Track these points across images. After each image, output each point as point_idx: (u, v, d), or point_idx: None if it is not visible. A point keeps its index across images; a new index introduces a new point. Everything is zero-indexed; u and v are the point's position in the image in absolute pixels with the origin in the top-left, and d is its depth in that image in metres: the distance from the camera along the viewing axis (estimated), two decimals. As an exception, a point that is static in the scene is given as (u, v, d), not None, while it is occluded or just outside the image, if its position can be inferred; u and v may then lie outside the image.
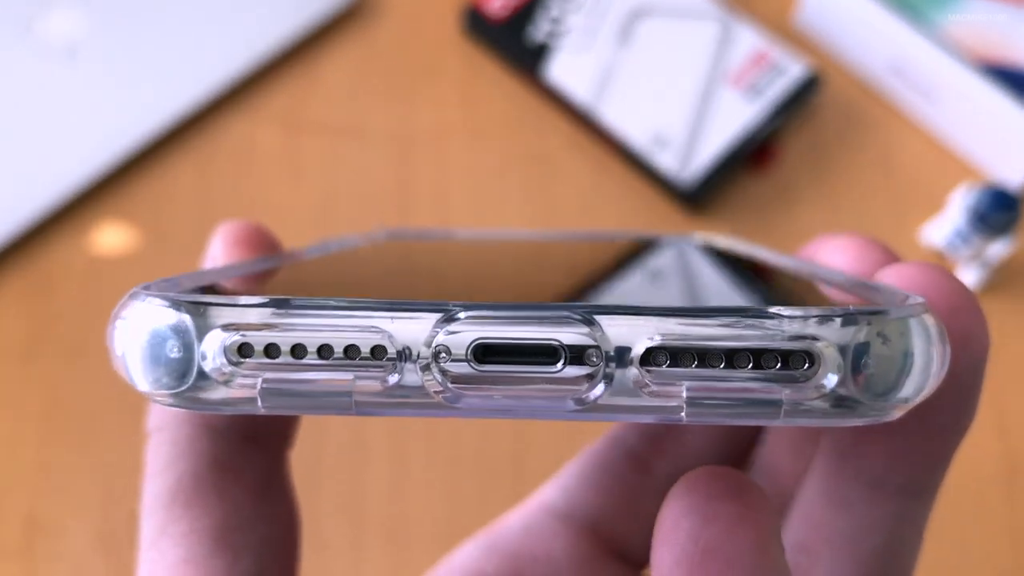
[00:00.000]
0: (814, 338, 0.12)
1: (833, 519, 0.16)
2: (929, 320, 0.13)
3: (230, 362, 0.13)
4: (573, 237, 0.28)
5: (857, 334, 0.12)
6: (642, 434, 0.20)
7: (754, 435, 0.20)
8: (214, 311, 0.13)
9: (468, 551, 0.20)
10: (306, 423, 0.40)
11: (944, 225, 0.41)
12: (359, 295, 0.13)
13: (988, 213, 0.39)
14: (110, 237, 0.42)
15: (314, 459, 0.38)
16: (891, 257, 0.17)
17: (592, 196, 0.43)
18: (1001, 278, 0.42)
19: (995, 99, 0.42)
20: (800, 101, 0.44)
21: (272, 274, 0.18)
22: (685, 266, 0.22)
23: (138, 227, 0.42)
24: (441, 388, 0.13)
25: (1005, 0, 0.43)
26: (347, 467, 0.38)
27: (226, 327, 0.13)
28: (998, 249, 0.40)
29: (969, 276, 0.41)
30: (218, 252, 0.18)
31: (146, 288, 0.13)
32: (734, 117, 0.43)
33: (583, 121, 0.44)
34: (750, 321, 0.12)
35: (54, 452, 0.38)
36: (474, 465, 0.38)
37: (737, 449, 0.20)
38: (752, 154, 0.43)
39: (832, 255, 0.17)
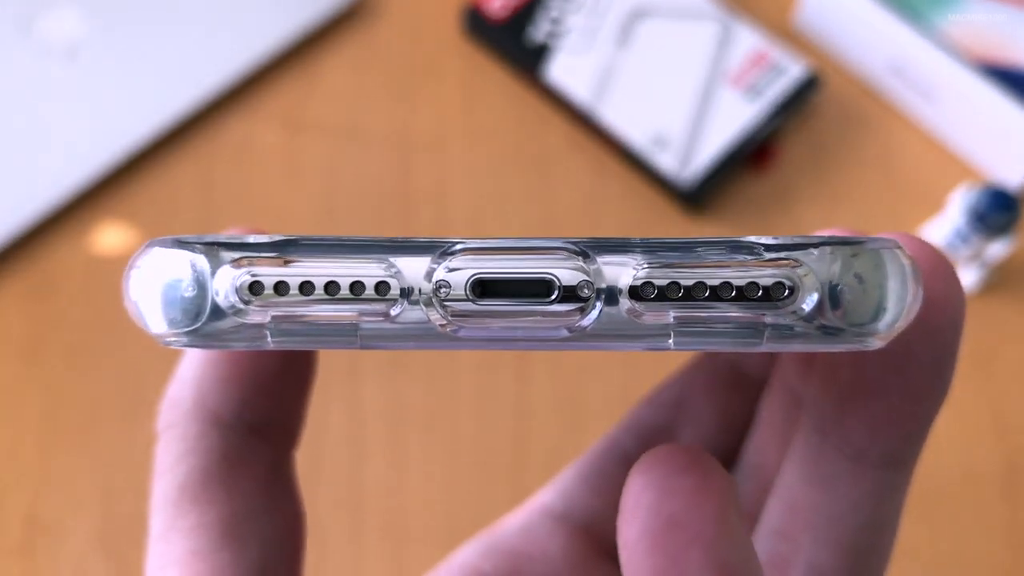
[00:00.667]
0: (794, 264, 0.13)
1: (814, 499, 0.16)
2: (902, 255, 0.13)
3: (242, 299, 0.13)
4: None
5: (833, 261, 0.13)
6: (636, 437, 0.21)
7: (742, 434, 0.20)
8: (225, 250, 0.13)
9: (467, 551, 0.20)
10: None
11: (943, 225, 0.41)
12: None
13: (987, 213, 0.39)
14: (110, 237, 0.42)
15: (313, 455, 0.38)
16: None
17: (592, 196, 0.43)
18: (1000, 278, 0.42)
19: (994, 99, 0.42)
20: (800, 101, 0.44)
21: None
22: None
23: (138, 227, 0.42)
24: (443, 321, 0.13)
25: (1004, 0, 0.43)
26: (346, 462, 0.38)
27: (237, 264, 0.13)
28: (997, 249, 0.40)
29: (968, 276, 0.41)
30: None
31: (160, 240, 0.14)
32: (734, 117, 0.43)
33: (583, 121, 0.44)
34: (733, 252, 0.13)
35: (54, 452, 0.38)
36: (473, 459, 0.38)
37: (725, 447, 0.20)
38: (752, 154, 0.43)
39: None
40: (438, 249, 0.13)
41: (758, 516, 0.18)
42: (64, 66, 0.43)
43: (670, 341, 0.13)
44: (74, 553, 0.36)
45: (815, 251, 0.13)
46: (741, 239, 0.13)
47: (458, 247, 0.13)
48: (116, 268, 0.41)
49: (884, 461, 0.16)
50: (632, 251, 0.13)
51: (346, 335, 0.13)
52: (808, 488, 0.16)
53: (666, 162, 0.42)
